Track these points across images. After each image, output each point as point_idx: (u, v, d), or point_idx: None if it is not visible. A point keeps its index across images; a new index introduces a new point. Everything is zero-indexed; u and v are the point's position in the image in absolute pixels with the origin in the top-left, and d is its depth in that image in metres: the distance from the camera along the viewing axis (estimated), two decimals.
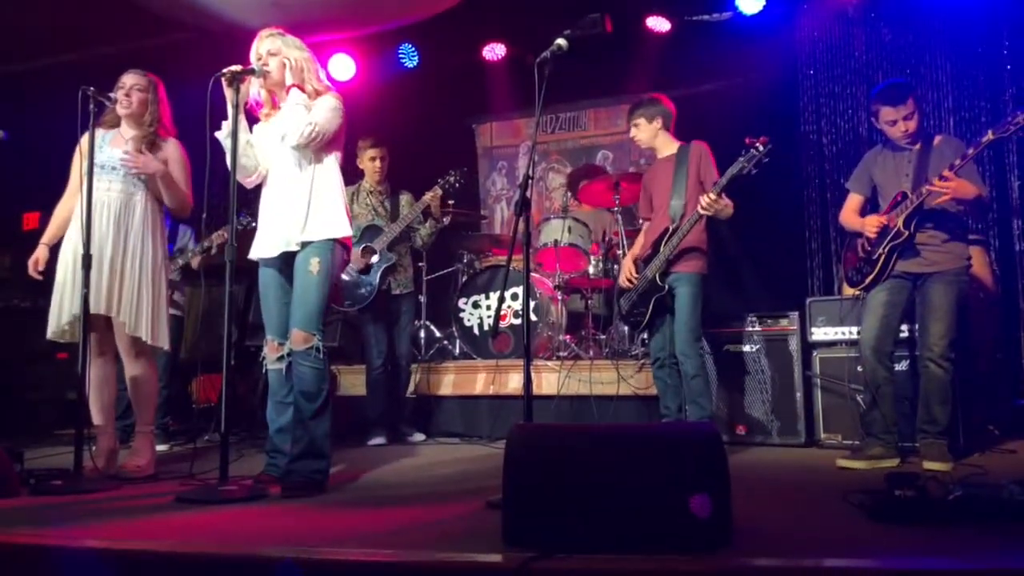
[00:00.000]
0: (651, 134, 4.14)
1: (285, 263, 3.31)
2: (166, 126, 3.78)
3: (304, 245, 3.24)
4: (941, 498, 2.31)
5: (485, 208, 7.57)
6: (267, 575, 2.06)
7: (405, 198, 5.12)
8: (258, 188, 3.45)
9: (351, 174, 4.33)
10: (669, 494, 1.99)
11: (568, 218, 5.60)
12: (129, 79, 3.72)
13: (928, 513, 2.29)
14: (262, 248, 3.34)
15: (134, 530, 2.52)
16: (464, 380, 5.29)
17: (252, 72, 3.23)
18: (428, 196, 5.00)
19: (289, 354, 3.26)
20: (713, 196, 3.74)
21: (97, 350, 3.66)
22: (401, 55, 6.79)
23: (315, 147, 3.27)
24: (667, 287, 3.95)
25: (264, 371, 3.38)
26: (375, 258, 4.95)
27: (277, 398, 3.35)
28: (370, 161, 5.07)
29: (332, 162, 3.36)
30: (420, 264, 5.74)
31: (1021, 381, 4.85)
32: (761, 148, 3.65)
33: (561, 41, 3.01)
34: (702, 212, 3.79)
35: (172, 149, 3.78)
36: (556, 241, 5.47)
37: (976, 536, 2.15)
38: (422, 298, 5.75)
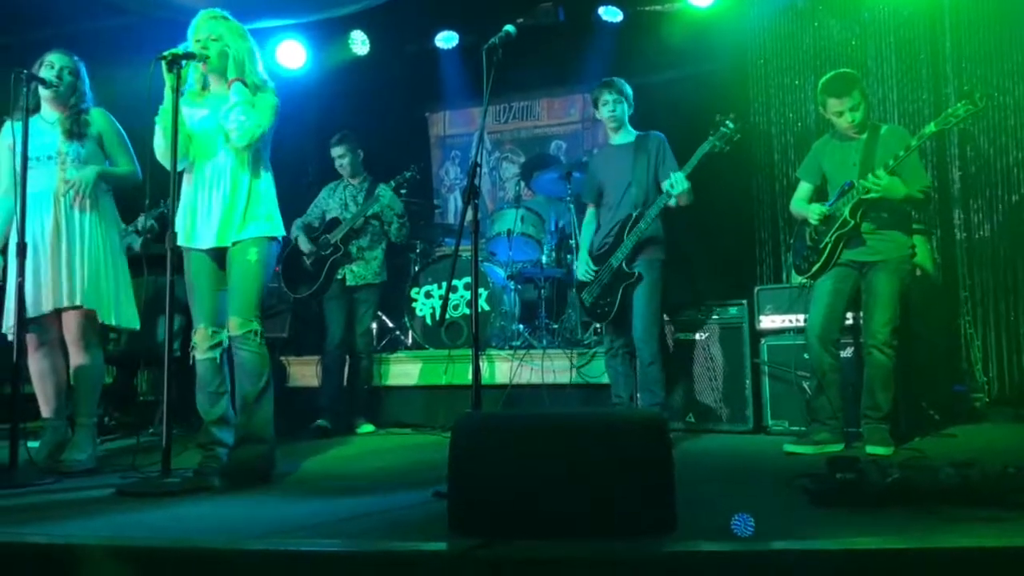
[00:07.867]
0: (625, 114, 4.14)
1: (216, 254, 3.25)
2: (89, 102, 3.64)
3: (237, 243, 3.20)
4: (879, 481, 2.36)
5: (438, 198, 7.50)
6: (209, 568, 2.03)
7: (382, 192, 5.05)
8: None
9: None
10: (614, 480, 2.01)
11: (521, 208, 5.60)
12: (58, 60, 3.56)
13: (867, 496, 2.34)
14: (192, 237, 3.23)
15: (71, 524, 2.45)
16: (417, 370, 5.26)
17: (192, 56, 3.13)
18: (381, 192, 5.00)
19: (219, 344, 3.20)
20: (683, 176, 3.79)
21: (36, 341, 3.54)
22: (352, 42, 6.68)
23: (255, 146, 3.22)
24: (636, 274, 3.96)
25: (192, 361, 3.27)
26: (311, 249, 5.00)
27: (209, 389, 3.25)
28: (337, 158, 5.14)
29: (266, 157, 3.33)
30: None
31: (960, 367, 4.98)
32: (732, 125, 3.67)
33: (509, 27, 3.00)
34: (672, 193, 3.81)
35: (102, 120, 3.64)
36: (509, 231, 5.46)
37: (911, 517, 2.20)
38: None
